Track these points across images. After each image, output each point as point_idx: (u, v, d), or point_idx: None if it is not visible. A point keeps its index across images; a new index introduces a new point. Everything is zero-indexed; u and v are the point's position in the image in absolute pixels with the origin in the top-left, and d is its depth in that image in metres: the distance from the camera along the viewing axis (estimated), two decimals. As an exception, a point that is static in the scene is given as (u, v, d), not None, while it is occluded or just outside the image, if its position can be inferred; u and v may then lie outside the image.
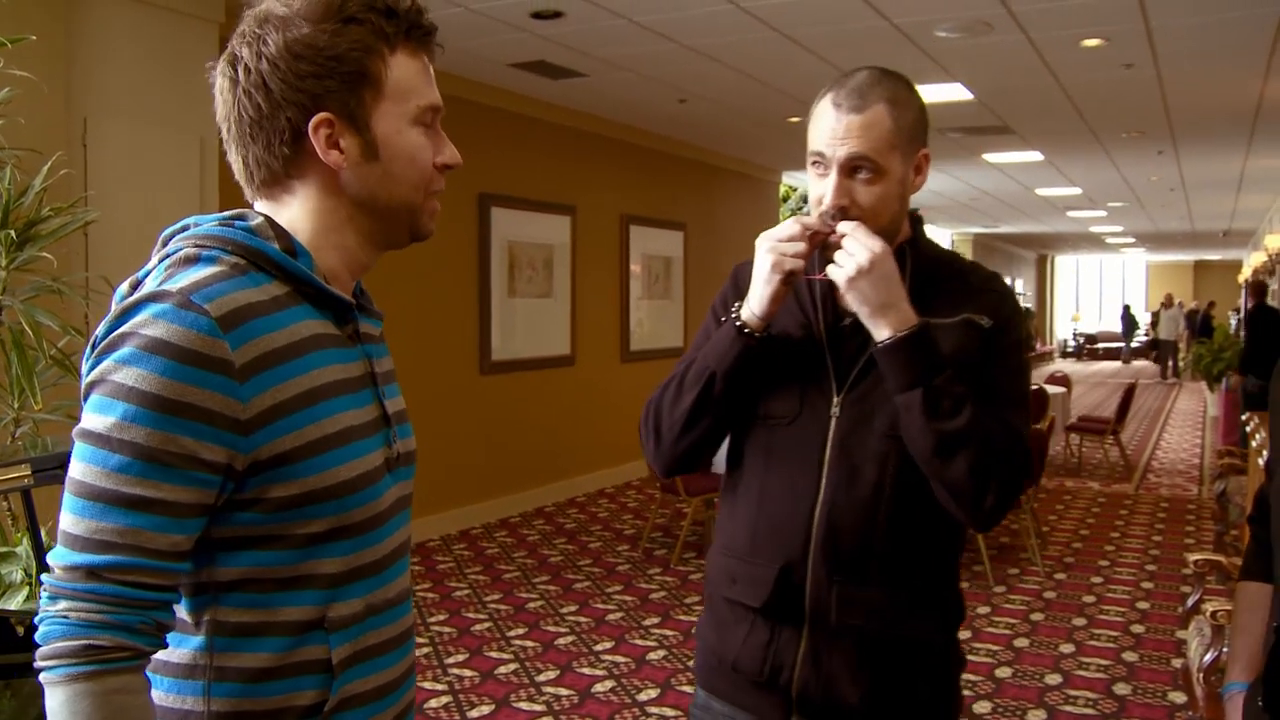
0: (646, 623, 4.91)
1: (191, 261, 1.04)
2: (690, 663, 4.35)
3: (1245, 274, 19.05)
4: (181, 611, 1.06)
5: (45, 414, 3.30)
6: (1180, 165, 10.85)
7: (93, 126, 4.38)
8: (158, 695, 1.06)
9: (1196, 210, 15.84)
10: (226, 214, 1.11)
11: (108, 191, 4.31)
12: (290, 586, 1.05)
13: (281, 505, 1.04)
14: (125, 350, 0.98)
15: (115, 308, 1.03)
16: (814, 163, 1.50)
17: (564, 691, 4.06)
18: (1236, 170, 11.27)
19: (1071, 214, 16.60)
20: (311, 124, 1.07)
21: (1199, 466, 9.77)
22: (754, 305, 1.48)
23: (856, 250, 1.42)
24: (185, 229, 1.11)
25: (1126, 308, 27.37)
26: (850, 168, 1.46)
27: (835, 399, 1.51)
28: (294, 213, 1.13)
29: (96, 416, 0.98)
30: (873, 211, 1.47)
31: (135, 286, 1.08)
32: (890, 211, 1.50)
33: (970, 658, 4.43)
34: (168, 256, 1.07)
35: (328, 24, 1.06)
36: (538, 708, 3.89)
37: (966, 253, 20.08)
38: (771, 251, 1.45)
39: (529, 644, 4.59)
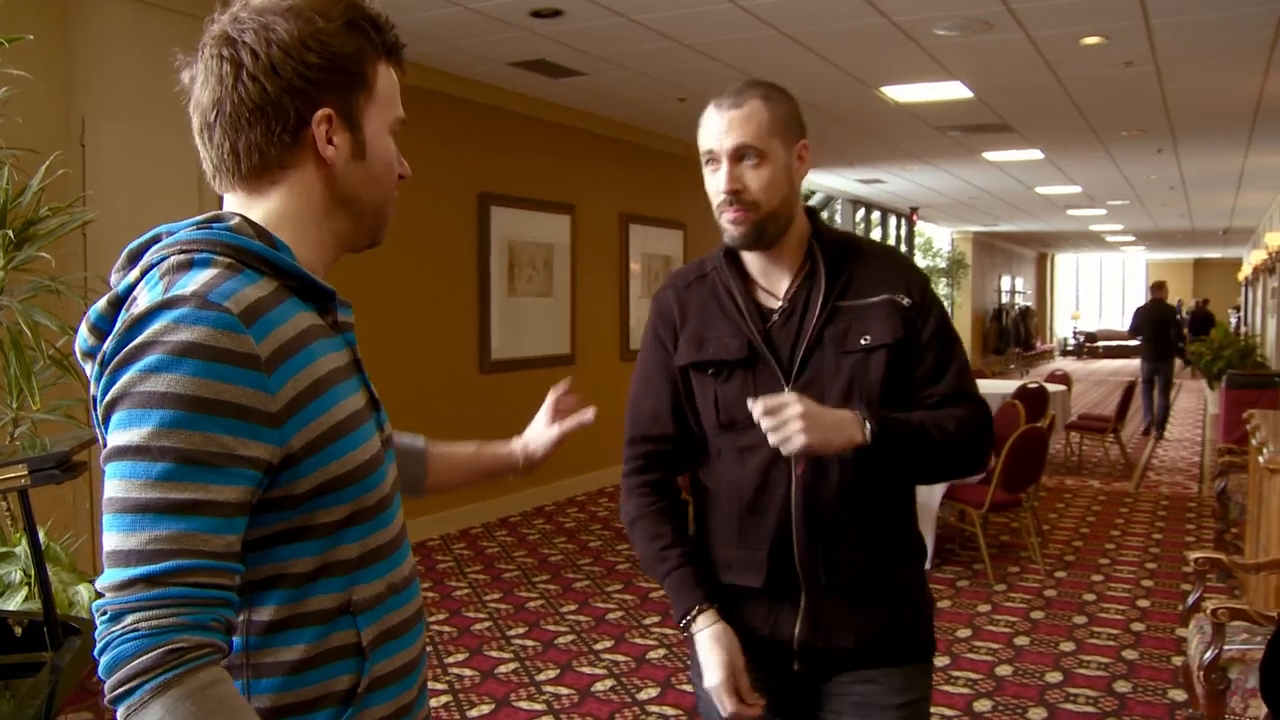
0: (646, 621, 4.91)
1: (185, 267, 1.03)
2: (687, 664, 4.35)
3: (1245, 272, 19.06)
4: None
5: (43, 414, 3.30)
6: (1180, 163, 10.85)
7: (91, 126, 4.38)
8: None
9: (1196, 208, 15.83)
10: (199, 218, 1.10)
11: (106, 191, 4.31)
12: (317, 576, 1.07)
13: (307, 496, 1.05)
14: (151, 358, 0.96)
15: (121, 322, 1.00)
16: (707, 162, 1.67)
17: (564, 690, 4.05)
18: (1236, 168, 11.27)
19: (1071, 212, 16.59)
20: (316, 116, 1.09)
21: (1199, 464, 9.77)
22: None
23: (781, 418, 1.51)
24: (158, 239, 1.10)
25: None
26: (737, 155, 1.63)
27: (786, 389, 1.64)
28: (274, 205, 1.12)
29: (130, 430, 0.95)
30: (763, 193, 1.63)
31: (116, 304, 1.06)
32: (780, 194, 1.65)
33: (970, 656, 4.43)
34: (153, 266, 1.05)
35: (338, 23, 1.09)
36: (538, 707, 3.89)
37: (967, 251, 20.08)
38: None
39: (529, 643, 4.58)
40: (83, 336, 1.08)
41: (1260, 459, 4.15)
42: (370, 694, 1.10)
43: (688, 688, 4.06)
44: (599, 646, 4.56)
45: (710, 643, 1.65)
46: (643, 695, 4.01)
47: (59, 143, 4.01)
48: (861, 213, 15.56)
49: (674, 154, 9.47)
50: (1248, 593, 4.38)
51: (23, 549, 3.22)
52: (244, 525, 1.00)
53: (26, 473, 2.07)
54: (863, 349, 1.65)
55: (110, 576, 0.95)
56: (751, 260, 1.74)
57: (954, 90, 7.09)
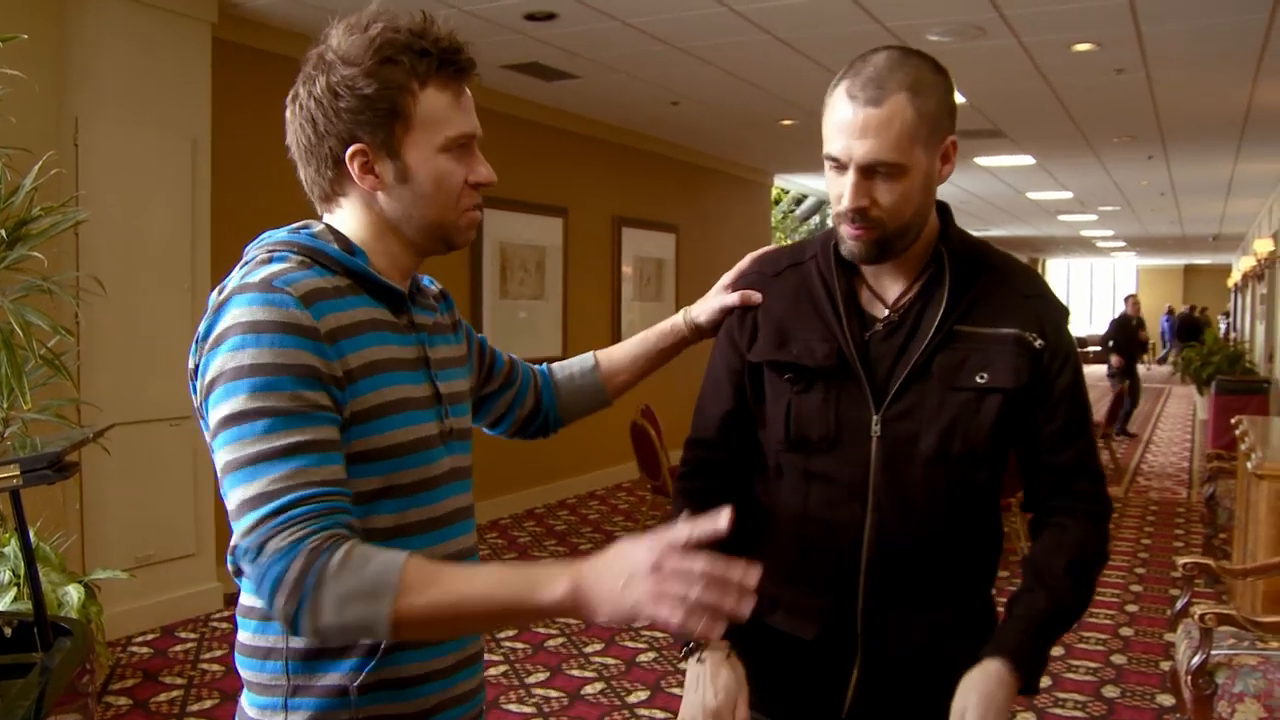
0: (637, 625, 4.91)
1: (264, 263, 1.20)
2: (682, 665, 4.35)
3: (1235, 278, 19.14)
4: None
5: (34, 414, 3.29)
6: (1170, 170, 10.90)
7: (84, 126, 4.37)
8: (244, 635, 1.24)
9: (1186, 215, 15.90)
10: (295, 225, 1.28)
11: (99, 191, 4.30)
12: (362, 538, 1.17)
13: (349, 461, 1.17)
14: (233, 339, 1.12)
15: (209, 308, 1.18)
16: (830, 162, 1.40)
17: (553, 693, 4.05)
18: (1226, 175, 11.32)
19: (1062, 218, 16.65)
20: (348, 153, 1.22)
21: (1188, 470, 9.81)
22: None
23: None
24: (260, 240, 1.27)
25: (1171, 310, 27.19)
26: (869, 169, 1.35)
27: (874, 418, 1.42)
28: (344, 224, 1.28)
29: (228, 401, 1.11)
30: (895, 211, 1.37)
31: (221, 291, 1.21)
32: (913, 207, 1.39)
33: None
34: (246, 263, 1.22)
35: (365, 65, 1.20)
36: (527, 709, 3.89)
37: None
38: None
39: (519, 646, 4.58)
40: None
41: (1248, 465, 4.18)
42: (397, 652, 1.20)
43: (677, 690, 4.06)
44: (589, 649, 4.56)
45: (715, 667, 1.39)
46: (632, 699, 4.01)
47: (52, 142, 4.00)
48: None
49: (667, 157, 9.48)
50: (1235, 598, 4.41)
51: (13, 549, 3.22)
52: (341, 460, 1.14)
53: (19, 473, 2.07)
54: (977, 388, 1.40)
55: (242, 523, 1.08)
56: (866, 270, 1.48)
57: (946, 96, 7.12)
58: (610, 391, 1.66)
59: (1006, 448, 1.46)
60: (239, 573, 1.12)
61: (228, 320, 1.13)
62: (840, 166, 1.37)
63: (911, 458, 1.41)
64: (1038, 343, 1.42)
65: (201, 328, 1.17)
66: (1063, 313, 1.48)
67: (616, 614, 1.04)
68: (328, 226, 1.27)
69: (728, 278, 1.59)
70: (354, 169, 1.23)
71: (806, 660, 1.48)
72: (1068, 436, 1.46)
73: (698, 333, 1.63)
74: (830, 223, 1.53)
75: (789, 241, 17.76)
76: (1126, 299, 12.61)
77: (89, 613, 3.36)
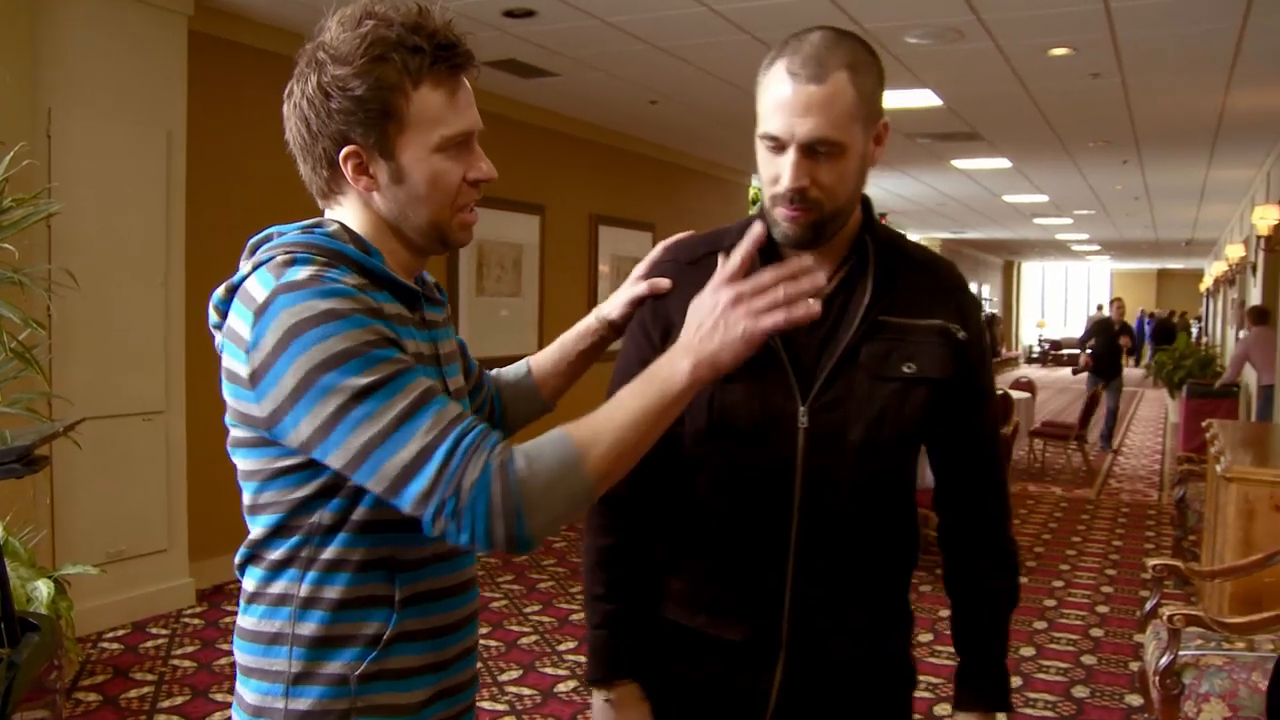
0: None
1: (289, 264, 1.17)
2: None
3: (1207, 283, 19.36)
4: (281, 551, 1.21)
5: (5, 407, 3.27)
6: (1145, 175, 11.01)
7: (57, 117, 4.33)
8: (249, 620, 1.24)
9: (1160, 219, 16.07)
10: (307, 222, 1.25)
11: (72, 183, 4.26)
12: (370, 529, 1.20)
13: None
14: (308, 335, 1.10)
15: (249, 312, 1.14)
16: (765, 139, 1.35)
17: (526, 691, 4.05)
18: (1199, 181, 11.45)
19: (1038, 221, 16.78)
20: (341, 155, 1.21)
21: (1159, 472, 9.91)
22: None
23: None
24: (269, 238, 1.25)
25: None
26: (810, 149, 1.31)
27: (801, 408, 1.38)
28: (347, 221, 1.27)
29: (334, 395, 1.09)
30: (833, 192, 1.34)
31: (231, 290, 1.22)
32: (849, 189, 1.37)
33: (932, 660, 4.47)
34: (262, 263, 1.19)
35: (356, 65, 1.18)
36: (500, 707, 3.89)
37: (934, 258, 20.23)
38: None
39: (492, 643, 4.57)
40: (211, 315, 1.26)
41: (1217, 468, 4.23)
42: (398, 644, 1.22)
43: (652, 689, 4.07)
44: (562, 647, 4.56)
45: (620, 709, 1.45)
46: None
47: (25, 134, 3.96)
48: (867, 196, 15.66)
49: (645, 156, 9.49)
50: (1204, 599, 4.46)
51: (-19, 544, 3.18)
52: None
53: (-13, 467, 2.04)
54: (904, 378, 1.39)
55: (417, 485, 1.09)
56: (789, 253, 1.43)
57: (924, 98, 7.16)
58: (546, 396, 1.64)
59: (926, 438, 1.47)
60: (444, 527, 1.10)
61: (286, 320, 1.11)
62: (779, 146, 1.33)
63: (840, 449, 1.38)
64: (961, 334, 1.42)
65: (249, 336, 1.14)
66: (977, 303, 1.50)
67: (736, 352, 1.15)
68: (342, 226, 1.24)
69: (640, 268, 1.54)
70: (348, 170, 1.22)
71: (733, 666, 1.43)
72: (977, 428, 1.49)
73: (612, 328, 1.57)
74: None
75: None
76: (1112, 302, 12.49)
77: (59, 608, 3.33)
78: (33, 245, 3.94)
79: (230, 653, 4.31)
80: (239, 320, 1.16)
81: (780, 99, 1.31)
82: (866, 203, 1.46)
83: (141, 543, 4.71)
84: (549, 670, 4.28)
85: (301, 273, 1.14)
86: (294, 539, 1.20)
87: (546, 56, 6.18)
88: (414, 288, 1.28)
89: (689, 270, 1.46)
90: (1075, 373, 12.25)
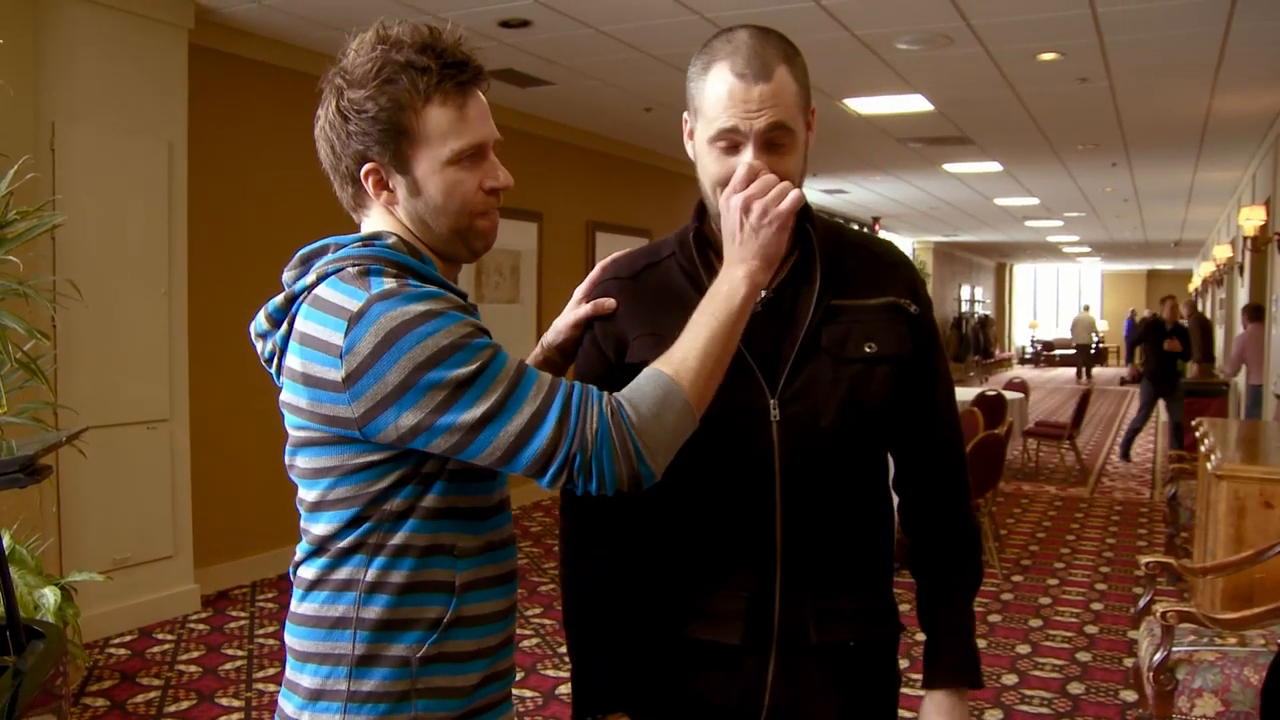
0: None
1: (365, 274, 1.24)
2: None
3: (1196, 283, 19.45)
4: (350, 539, 1.26)
5: (10, 417, 3.29)
6: (1133, 177, 11.08)
7: (61, 130, 4.37)
8: (309, 607, 1.29)
9: (1149, 221, 16.15)
10: (364, 235, 1.31)
11: (75, 195, 4.30)
12: (436, 516, 1.27)
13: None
14: (410, 336, 1.17)
15: (343, 321, 1.20)
16: (719, 139, 1.35)
17: (528, 693, 4.09)
18: (1186, 182, 11.53)
19: (1029, 223, 16.86)
20: (362, 171, 1.29)
21: (1151, 471, 9.97)
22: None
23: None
24: (325, 250, 1.31)
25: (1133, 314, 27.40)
26: (769, 141, 1.34)
27: (771, 402, 1.38)
28: (378, 228, 1.34)
29: (440, 389, 1.17)
30: (789, 179, 1.35)
31: (291, 299, 1.28)
32: (799, 178, 1.40)
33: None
34: (331, 273, 1.25)
35: (369, 88, 1.25)
36: (564, 673, 3.92)
37: (928, 260, 20.32)
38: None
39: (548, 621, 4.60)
40: (260, 322, 1.32)
41: (1208, 466, 4.28)
42: (455, 629, 1.28)
43: (653, 690, 4.11)
44: (563, 650, 4.60)
45: None
46: None
47: (28, 147, 4.00)
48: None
49: (641, 163, 9.54)
50: (1196, 596, 4.51)
51: (-9, 552, 3.22)
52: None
53: (-5, 476, 2.08)
54: (866, 358, 1.39)
55: (536, 446, 1.19)
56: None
57: (915, 103, 7.22)
58: None
59: (893, 417, 1.45)
60: (569, 479, 1.20)
61: (386, 324, 1.18)
62: (733, 145, 1.34)
63: (814, 437, 1.38)
64: (913, 309, 1.44)
65: (343, 343, 1.19)
66: (921, 279, 1.51)
67: (773, 241, 1.30)
68: (400, 238, 1.30)
69: (580, 290, 1.54)
70: (369, 186, 1.29)
71: (728, 669, 1.42)
72: (943, 406, 1.50)
73: (561, 353, 1.54)
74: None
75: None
76: (1163, 300, 10.85)
77: (66, 615, 3.37)
78: (37, 257, 3.97)
79: (235, 657, 4.35)
80: (321, 328, 1.21)
81: (733, 98, 1.33)
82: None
83: (147, 549, 4.75)
84: (550, 673, 4.32)
85: (389, 283, 1.22)
86: (364, 526, 1.25)
87: (542, 66, 6.23)
88: (462, 291, 1.33)
89: (631, 284, 1.49)
90: (1125, 382, 11.30)
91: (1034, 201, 13.58)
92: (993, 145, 9.12)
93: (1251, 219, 8.43)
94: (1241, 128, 8.06)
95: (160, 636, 4.62)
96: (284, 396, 1.29)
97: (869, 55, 5.89)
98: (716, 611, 1.41)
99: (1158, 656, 3.06)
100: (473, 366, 1.18)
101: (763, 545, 1.39)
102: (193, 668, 4.26)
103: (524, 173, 7.90)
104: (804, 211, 1.42)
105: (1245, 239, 8.91)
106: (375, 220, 1.34)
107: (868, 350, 1.39)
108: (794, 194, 1.30)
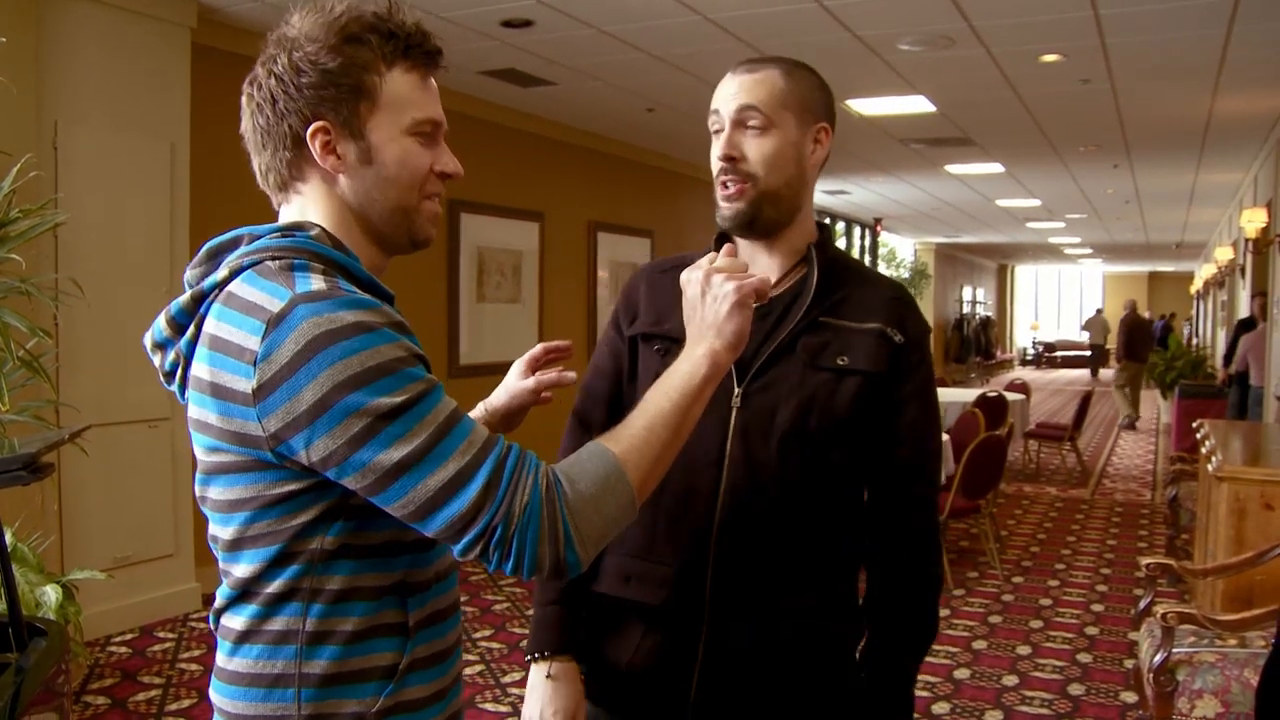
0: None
1: (288, 270, 1.10)
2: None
3: (1197, 285, 19.45)
4: (280, 584, 1.11)
5: (12, 415, 3.30)
6: (1135, 179, 11.09)
7: (63, 129, 4.38)
8: (242, 663, 1.13)
9: (1151, 223, 16.16)
10: (281, 225, 1.18)
11: (77, 194, 4.31)
12: (382, 552, 1.13)
13: None
14: (336, 348, 1.03)
15: (261, 317, 1.05)
16: (714, 131, 1.52)
17: (531, 693, 4.08)
18: (1188, 184, 11.53)
19: (1031, 225, 16.86)
20: (310, 130, 1.15)
21: (1152, 472, 9.97)
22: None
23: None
24: (238, 241, 1.17)
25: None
26: (740, 120, 1.48)
27: (735, 391, 1.47)
28: (305, 213, 1.20)
29: (361, 413, 1.02)
30: (763, 165, 1.47)
31: (200, 299, 1.13)
32: (783, 173, 1.48)
33: (929, 659, 4.51)
34: (245, 268, 1.12)
35: (329, 42, 1.14)
36: (503, 709, 3.93)
37: (929, 261, 20.32)
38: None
39: (495, 645, 4.62)
40: (159, 328, 1.17)
41: (1209, 467, 4.28)
42: (410, 674, 1.15)
43: (653, 690, 4.11)
44: (506, 680, 4.59)
45: (557, 684, 1.52)
46: None
47: (31, 145, 4.00)
48: (827, 223, 15.71)
49: (642, 163, 9.55)
50: (1196, 597, 4.51)
51: (-8, 549, 3.22)
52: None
53: (-4, 474, 2.08)
54: (836, 369, 1.46)
55: (456, 507, 1.04)
56: (744, 249, 1.55)
57: (917, 104, 7.22)
58: None
59: (861, 437, 1.49)
60: (483, 553, 1.05)
61: (309, 330, 1.03)
62: (719, 126, 1.51)
63: (768, 429, 1.46)
64: (898, 338, 1.49)
65: (253, 344, 1.05)
66: (924, 324, 1.56)
67: (734, 318, 1.23)
68: (323, 229, 1.17)
69: (523, 362, 1.59)
70: (315, 147, 1.16)
71: (655, 629, 1.49)
72: (916, 435, 1.51)
73: (503, 419, 1.56)
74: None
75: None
76: (1254, 296, 9.72)
77: (67, 613, 3.37)
78: (39, 255, 3.98)
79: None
80: (234, 329, 1.07)
81: (720, 88, 1.52)
82: (825, 228, 1.60)
83: (148, 548, 4.76)
84: (489, 706, 4.31)
85: (317, 283, 1.08)
86: (293, 568, 1.10)
87: (544, 66, 6.24)
88: (388, 291, 1.20)
89: (657, 277, 1.63)
90: (1221, 387, 10.35)
91: (1036, 203, 13.58)
92: (994, 146, 9.12)
93: (1253, 221, 8.43)
94: (1243, 130, 8.07)
95: (161, 635, 4.63)
96: (191, 413, 1.12)
97: (871, 56, 5.89)
98: (649, 575, 1.50)
99: (1158, 658, 3.06)
100: (399, 399, 1.03)
101: (703, 518, 1.46)
102: (194, 666, 4.26)
103: (526, 173, 7.97)
104: (821, 237, 1.57)
105: (1247, 241, 8.91)
106: (307, 197, 1.20)
107: (839, 362, 1.47)
108: (758, 278, 1.25)
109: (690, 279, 1.25)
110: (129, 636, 4.58)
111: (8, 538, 3.36)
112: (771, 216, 1.50)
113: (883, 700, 1.52)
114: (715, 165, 1.52)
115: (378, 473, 1.03)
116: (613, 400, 1.63)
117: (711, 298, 1.23)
